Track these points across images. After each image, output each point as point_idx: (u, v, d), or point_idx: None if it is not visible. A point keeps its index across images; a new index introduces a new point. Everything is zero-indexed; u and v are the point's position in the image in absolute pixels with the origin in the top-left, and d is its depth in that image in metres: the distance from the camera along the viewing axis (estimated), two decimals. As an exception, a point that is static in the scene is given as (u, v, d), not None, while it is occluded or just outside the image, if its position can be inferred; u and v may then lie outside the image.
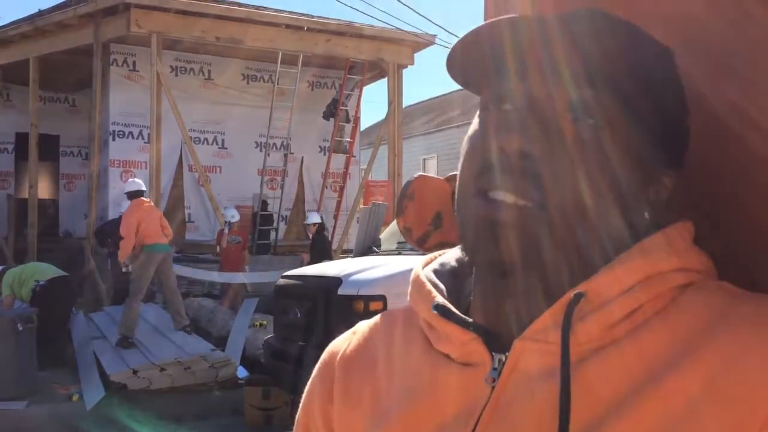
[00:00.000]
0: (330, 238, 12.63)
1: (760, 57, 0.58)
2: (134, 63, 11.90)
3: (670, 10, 0.65)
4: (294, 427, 0.71)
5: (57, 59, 11.58)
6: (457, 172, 0.59)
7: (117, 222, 8.60)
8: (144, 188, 8.26)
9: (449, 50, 0.58)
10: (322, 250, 9.46)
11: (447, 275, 0.64)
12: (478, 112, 0.59)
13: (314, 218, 10.29)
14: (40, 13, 12.22)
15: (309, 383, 0.70)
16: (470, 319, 0.58)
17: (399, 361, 0.62)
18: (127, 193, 8.02)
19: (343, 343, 0.69)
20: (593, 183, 0.53)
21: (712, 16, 0.62)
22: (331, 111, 12.85)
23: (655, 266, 0.53)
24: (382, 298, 4.81)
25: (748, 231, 0.59)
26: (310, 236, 10.06)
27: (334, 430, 0.65)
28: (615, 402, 0.49)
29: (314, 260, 8.34)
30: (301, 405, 0.70)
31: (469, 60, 0.58)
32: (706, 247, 0.57)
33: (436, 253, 0.67)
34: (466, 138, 0.59)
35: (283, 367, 5.32)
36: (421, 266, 0.65)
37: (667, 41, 0.57)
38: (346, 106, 12.85)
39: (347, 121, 13.01)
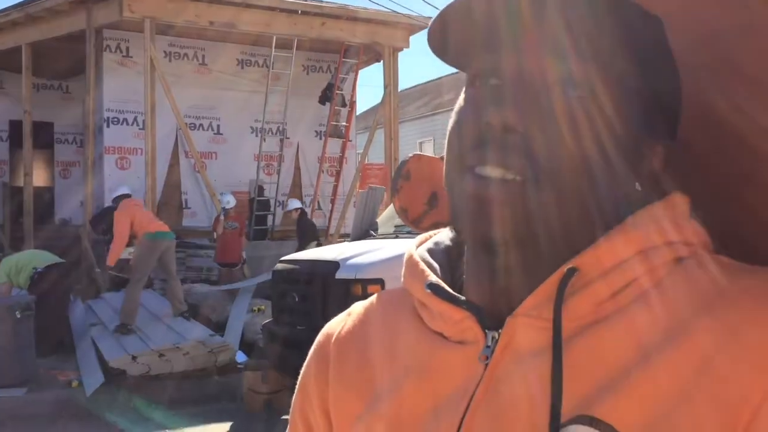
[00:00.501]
0: (328, 223, 12.65)
1: (751, 42, 0.57)
2: (127, 49, 11.81)
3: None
4: (291, 409, 0.71)
5: (49, 46, 11.49)
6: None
7: (112, 209, 8.64)
8: (130, 192, 8.42)
9: (431, 23, 0.56)
10: (306, 234, 9.52)
11: (441, 254, 0.63)
12: (464, 88, 0.58)
13: (294, 204, 10.40)
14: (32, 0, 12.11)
15: (305, 365, 0.70)
16: (463, 297, 0.57)
17: (393, 342, 0.62)
18: (114, 199, 8.11)
19: (338, 324, 0.69)
20: (583, 156, 0.52)
21: (708, 6, 0.61)
22: (327, 95, 12.79)
23: (648, 239, 0.53)
24: (380, 282, 4.82)
25: (745, 217, 0.59)
26: (292, 221, 10.17)
27: (329, 411, 0.65)
28: (608, 378, 0.49)
29: (301, 245, 8.35)
30: (297, 386, 0.70)
31: (453, 34, 0.57)
32: (714, 229, 0.56)
33: (430, 233, 0.67)
34: (452, 114, 0.58)
35: (282, 351, 5.34)
36: (415, 246, 0.64)
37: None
38: (341, 90, 12.79)
39: (343, 105, 12.96)
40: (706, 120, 0.60)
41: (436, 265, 0.62)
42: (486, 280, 0.57)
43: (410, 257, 0.63)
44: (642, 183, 0.56)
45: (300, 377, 0.70)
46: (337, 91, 12.67)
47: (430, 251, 0.64)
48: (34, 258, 7.65)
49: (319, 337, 0.70)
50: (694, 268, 0.52)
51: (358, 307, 0.69)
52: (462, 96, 0.58)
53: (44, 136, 13.43)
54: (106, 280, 9.55)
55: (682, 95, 0.57)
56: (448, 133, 0.57)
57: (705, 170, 0.61)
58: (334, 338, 0.67)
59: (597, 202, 0.53)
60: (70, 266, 7.82)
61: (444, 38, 0.58)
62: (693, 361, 0.47)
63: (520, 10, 0.53)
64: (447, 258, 0.63)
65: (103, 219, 9.14)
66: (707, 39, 0.60)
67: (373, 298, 0.69)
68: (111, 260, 7.63)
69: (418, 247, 0.65)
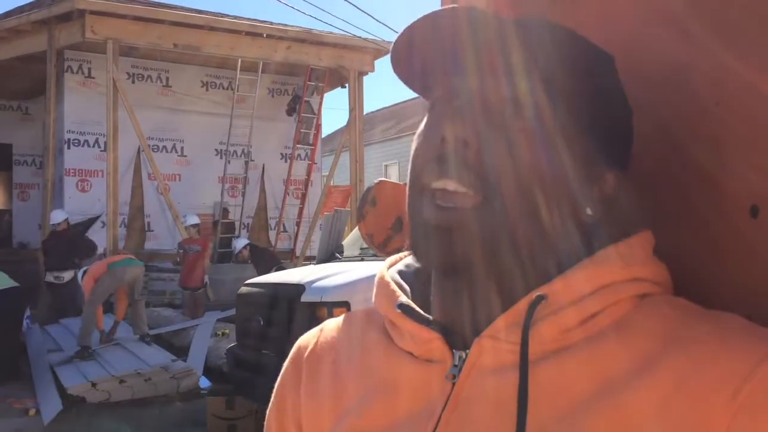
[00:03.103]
0: (293, 245, 12.58)
1: (699, 68, 0.61)
2: (89, 70, 11.69)
3: (611, 12, 0.69)
4: (266, 416, 0.72)
5: (9, 66, 11.30)
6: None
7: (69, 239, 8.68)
8: (66, 216, 9.12)
9: (392, 50, 0.59)
10: (262, 262, 9.49)
11: (412, 276, 0.65)
12: (426, 114, 0.61)
13: (241, 243, 10.63)
14: (-8, 19, 11.93)
15: (280, 377, 0.71)
16: (432, 318, 0.59)
17: (363, 359, 0.64)
18: (52, 225, 8.53)
19: (311, 339, 0.70)
20: (534, 177, 0.54)
21: (660, 28, 0.65)
22: (293, 107, 12.80)
23: (612, 275, 0.55)
24: (346, 305, 4.80)
25: (702, 237, 0.62)
26: (244, 260, 10.14)
27: (301, 423, 0.67)
28: (569, 406, 0.51)
29: (261, 273, 8.31)
30: (272, 398, 0.71)
31: (414, 60, 0.59)
32: (664, 253, 0.59)
33: (401, 254, 0.69)
34: (413, 140, 0.60)
35: (247, 376, 5.27)
36: (386, 267, 0.66)
37: (608, 44, 0.60)
38: (308, 98, 12.78)
39: (312, 113, 12.96)
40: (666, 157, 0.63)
41: (406, 286, 0.63)
42: (451, 301, 0.59)
43: (381, 278, 0.64)
44: (593, 208, 0.58)
45: (275, 389, 0.71)
46: (305, 99, 12.66)
47: (401, 273, 0.66)
48: None
49: (293, 350, 0.71)
50: (655, 310, 0.54)
51: (330, 324, 0.71)
52: (423, 121, 0.60)
53: (2, 158, 13.15)
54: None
55: (650, 129, 0.61)
56: (410, 158, 0.60)
57: (665, 196, 0.64)
58: (307, 352, 0.69)
59: (550, 223, 0.55)
60: (23, 291, 7.58)
61: (406, 65, 0.60)
62: (653, 399, 0.49)
63: (477, 35, 0.56)
64: (417, 280, 0.65)
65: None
66: (667, 75, 0.64)
67: (342, 317, 0.71)
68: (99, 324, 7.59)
69: (389, 268, 0.67)
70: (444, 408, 0.55)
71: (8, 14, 11.78)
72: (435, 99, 0.59)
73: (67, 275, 9.15)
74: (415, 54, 0.59)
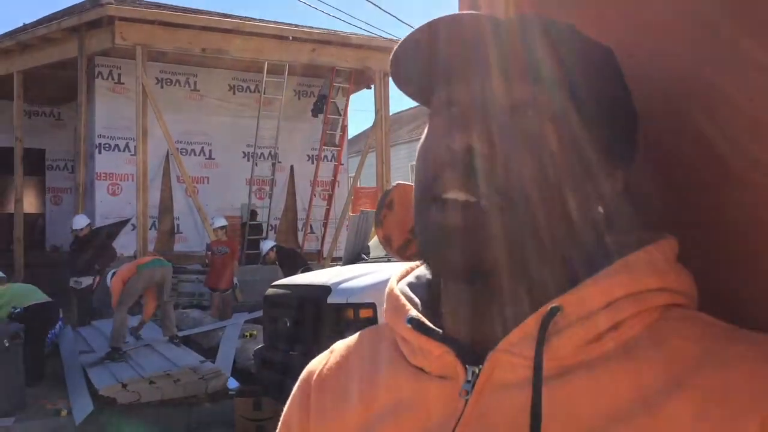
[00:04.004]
0: (320, 247, 12.62)
1: (725, 65, 0.59)
2: (119, 75, 11.87)
3: (639, 18, 0.66)
4: None
5: (41, 73, 11.53)
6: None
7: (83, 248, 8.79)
8: (89, 221, 9.26)
9: (392, 60, 0.57)
10: (290, 264, 9.44)
11: (422, 288, 0.63)
12: (428, 121, 0.59)
13: (267, 245, 10.45)
14: (24, 27, 12.17)
15: (289, 400, 0.70)
16: (442, 332, 0.57)
17: (374, 377, 0.62)
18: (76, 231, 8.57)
19: (321, 362, 0.69)
20: (545, 179, 0.52)
21: (678, 24, 0.62)
22: (319, 107, 12.85)
23: (636, 284, 0.52)
24: (372, 306, 4.79)
25: (732, 239, 0.59)
26: (272, 262, 10.10)
27: None
28: (590, 425, 0.48)
29: (287, 275, 8.34)
30: (280, 422, 0.70)
31: (414, 70, 0.58)
32: (687, 258, 0.56)
33: (411, 265, 0.67)
34: (418, 147, 0.58)
35: (274, 377, 5.29)
36: (395, 280, 0.64)
37: (635, 48, 0.58)
38: (334, 99, 12.82)
39: (338, 114, 13.00)
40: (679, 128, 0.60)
41: (417, 299, 0.61)
42: (463, 314, 0.56)
43: (391, 292, 0.63)
44: (605, 206, 0.56)
45: (284, 411, 0.70)
46: (331, 100, 12.70)
47: (411, 285, 0.63)
48: (18, 295, 7.43)
49: (303, 374, 0.70)
50: (687, 324, 0.51)
51: (340, 345, 0.69)
52: (426, 128, 0.59)
53: (35, 163, 13.42)
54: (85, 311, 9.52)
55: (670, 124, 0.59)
56: (415, 166, 0.58)
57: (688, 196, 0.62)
58: (315, 375, 0.68)
59: (564, 226, 0.53)
60: (54, 305, 7.64)
61: (405, 74, 0.59)
62: (679, 422, 0.46)
63: (478, 40, 0.54)
64: (428, 292, 0.62)
65: (78, 257, 9.21)
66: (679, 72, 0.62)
67: (355, 336, 0.69)
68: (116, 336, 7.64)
69: (399, 281, 0.64)
70: (456, 426, 0.53)
71: (39, 22, 12.02)
72: (436, 107, 0.57)
73: (86, 281, 9.23)
74: (415, 62, 0.57)
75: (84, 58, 11.01)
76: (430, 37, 0.55)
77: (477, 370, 0.54)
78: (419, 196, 0.56)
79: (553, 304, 0.51)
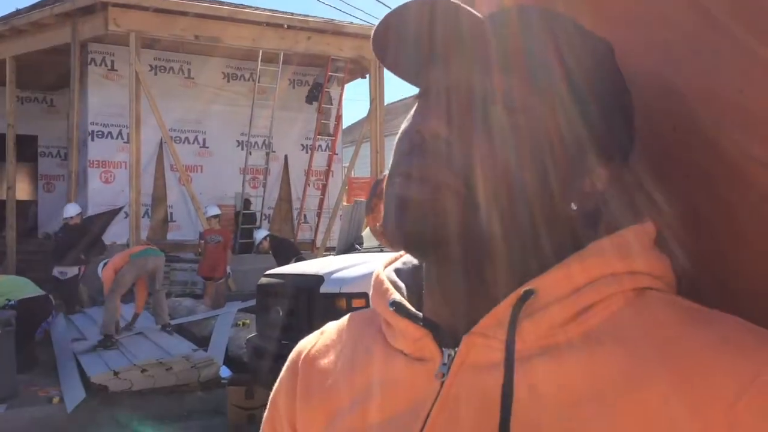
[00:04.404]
0: (314, 236, 12.61)
1: (721, 59, 0.58)
2: (112, 62, 11.80)
3: (639, 10, 0.66)
4: (262, 423, 0.72)
5: (34, 59, 11.45)
6: None
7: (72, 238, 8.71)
8: (80, 209, 9.12)
9: (373, 44, 0.58)
10: (283, 254, 9.38)
11: (408, 273, 0.64)
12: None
13: (261, 234, 10.33)
14: (17, 12, 12.07)
15: (278, 380, 0.71)
16: (421, 315, 0.58)
17: (359, 359, 0.63)
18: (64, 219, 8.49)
19: (310, 342, 0.70)
20: (508, 169, 0.53)
21: (679, 17, 0.62)
22: (314, 95, 12.81)
23: (607, 267, 0.53)
24: (365, 296, 4.80)
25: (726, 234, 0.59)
26: (265, 251, 10.02)
27: (296, 426, 0.66)
28: (560, 403, 0.49)
29: (281, 264, 8.31)
30: (269, 401, 0.71)
31: (397, 51, 0.58)
32: (679, 247, 0.56)
33: (400, 253, 0.67)
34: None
35: (267, 366, 5.30)
36: (382, 266, 0.66)
37: (635, 42, 0.57)
38: (329, 88, 12.79)
39: (330, 103, 12.97)
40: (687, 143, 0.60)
41: (401, 284, 0.63)
42: (440, 298, 0.58)
43: (377, 277, 0.64)
44: (581, 202, 0.56)
45: (272, 393, 0.71)
46: (326, 89, 12.66)
47: (397, 271, 0.65)
48: (13, 288, 7.41)
49: (292, 354, 0.71)
50: (654, 307, 0.52)
51: (330, 326, 0.70)
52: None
53: (28, 150, 13.34)
54: (89, 295, 9.50)
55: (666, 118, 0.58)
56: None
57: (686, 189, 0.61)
58: (303, 355, 0.69)
59: (524, 216, 0.53)
60: (47, 299, 7.61)
61: (393, 58, 0.59)
62: (648, 406, 0.47)
63: (451, 25, 0.54)
64: (413, 278, 0.64)
65: (67, 250, 9.12)
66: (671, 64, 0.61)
67: (344, 318, 0.70)
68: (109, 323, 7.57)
69: (386, 267, 0.66)
70: (432, 407, 0.54)
71: (32, 8, 11.92)
72: (421, 90, 0.58)
73: (71, 272, 9.17)
74: (394, 46, 0.58)
75: (77, 45, 10.93)
76: (404, 20, 0.55)
77: (453, 353, 0.55)
78: (389, 173, 0.57)
79: (527, 288, 0.52)
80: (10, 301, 7.05)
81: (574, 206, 0.55)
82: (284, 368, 0.71)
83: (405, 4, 0.55)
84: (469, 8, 0.53)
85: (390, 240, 0.57)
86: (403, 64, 0.59)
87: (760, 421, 0.45)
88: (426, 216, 0.53)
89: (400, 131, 0.58)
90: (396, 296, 0.60)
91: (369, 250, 6.16)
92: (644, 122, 0.60)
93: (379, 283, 0.63)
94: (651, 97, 0.62)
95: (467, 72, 0.55)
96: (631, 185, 0.60)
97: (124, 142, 11.39)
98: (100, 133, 11.81)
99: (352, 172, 13.19)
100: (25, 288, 7.40)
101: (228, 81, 12.78)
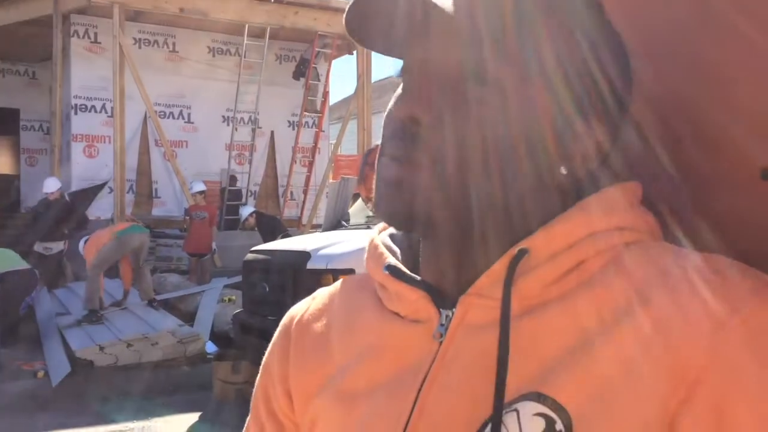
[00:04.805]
0: (300, 213, 12.58)
1: (730, 57, 0.58)
2: (96, 35, 11.61)
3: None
4: (254, 389, 0.72)
5: (16, 30, 11.24)
6: None
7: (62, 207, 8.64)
8: (60, 184, 8.95)
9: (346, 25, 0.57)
10: (270, 231, 9.33)
11: (402, 238, 0.65)
12: None
13: (247, 211, 10.29)
14: (-3, -18, 11.82)
15: (269, 346, 0.71)
16: (419, 278, 0.59)
17: (353, 323, 0.64)
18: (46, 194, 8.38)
19: (302, 307, 0.70)
20: (488, 141, 0.53)
21: (689, 22, 0.61)
22: (301, 70, 12.71)
23: (596, 223, 0.54)
24: (351, 272, 4.81)
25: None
26: (251, 227, 9.97)
27: (290, 391, 0.67)
28: (557, 357, 0.51)
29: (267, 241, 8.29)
30: (261, 367, 0.72)
31: (372, 34, 0.58)
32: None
33: None
34: None
35: (253, 341, 5.31)
36: (377, 231, 0.67)
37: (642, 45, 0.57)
38: (316, 64, 12.69)
39: (318, 79, 12.89)
40: (690, 112, 0.60)
41: (396, 248, 0.64)
42: (434, 261, 0.59)
43: (372, 242, 0.65)
44: (570, 166, 0.56)
45: (264, 357, 0.72)
46: (313, 65, 12.56)
47: (392, 236, 0.66)
48: None
49: (284, 320, 0.71)
50: (640, 254, 0.53)
51: (322, 292, 0.71)
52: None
53: (10, 123, 13.15)
54: (72, 270, 9.45)
55: (665, 88, 0.58)
56: None
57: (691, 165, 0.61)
58: (296, 320, 0.69)
59: (511, 188, 0.54)
60: (32, 272, 7.54)
61: (370, 38, 0.59)
62: (638, 338, 0.49)
63: (417, 8, 0.53)
64: (408, 243, 0.65)
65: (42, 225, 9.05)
66: (676, 32, 0.61)
67: (337, 283, 0.71)
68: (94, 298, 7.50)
69: (380, 232, 0.66)
70: (430, 367, 0.56)
71: (14, -23, 11.67)
72: (401, 68, 0.58)
73: (56, 247, 9.10)
74: (368, 30, 0.57)
75: (59, 16, 10.74)
76: (378, 3, 0.54)
77: (450, 314, 0.56)
78: (378, 154, 0.59)
79: (521, 246, 0.54)
80: None
81: (563, 170, 0.56)
82: (276, 334, 0.71)
83: None
84: None
85: (378, 217, 0.59)
86: (381, 45, 0.59)
87: (737, 353, 0.46)
88: (404, 195, 0.54)
89: (386, 110, 0.58)
90: (391, 260, 0.61)
91: (356, 227, 6.17)
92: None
93: (373, 247, 0.64)
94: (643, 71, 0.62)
95: (439, 51, 0.54)
96: (633, 144, 0.60)
97: (108, 116, 11.25)
98: (83, 106, 11.66)
99: (339, 149, 13.14)
100: (9, 261, 7.34)
101: (214, 56, 12.64)
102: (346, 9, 0.56)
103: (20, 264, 7.40)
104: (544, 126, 0.54)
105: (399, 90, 0.57)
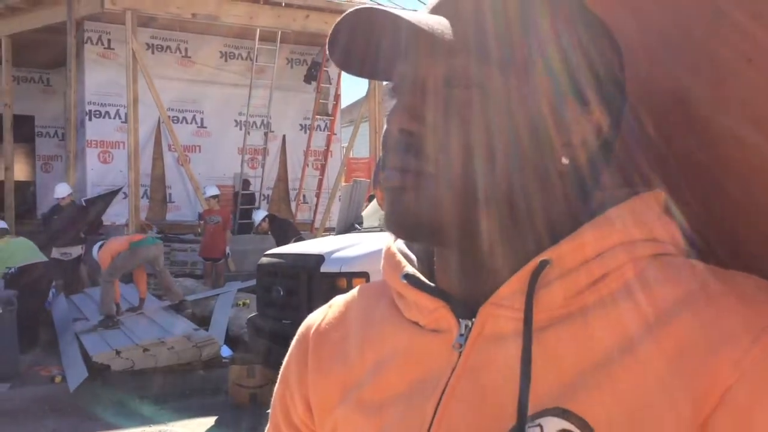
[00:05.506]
0: (313, 216, 12.60)
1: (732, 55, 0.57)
2: (109, 41, 11.69)
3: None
4: (272, 400, 0.72)
5: (30, 37, 11.34)
6: None
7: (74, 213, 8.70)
8: (71, 190, 9.08)
9: (329, 49, 0.58)
10: (283, 235, 9.37)
11: (419, 246, 0.64)
12: None
13: (260, 215, 10.35)
14: (12, -9, 11.93)
15: (287, 356, 0.71)
16: (436, 287, 0.59)
17: (371, 332, 0.63)
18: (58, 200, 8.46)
19: (319, 316, 0.70)
20: (480, 145, 0.53)
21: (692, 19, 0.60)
22: (312, 74, 12.73)
23: (621, 235, 0.54)
24: (365, 275, 4.81)
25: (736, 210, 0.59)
26: (264, 231, 10.01)
27: (309, 400, 0.67)
28: (580, 370, 0.50)
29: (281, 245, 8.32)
30: (279, 377, 0.72)
31: (357, 57, 0.59)
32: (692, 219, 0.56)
33: None
34: None
35: (268, 345, 5.32)
36: (393, 238, 0.66)
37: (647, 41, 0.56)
38: (327, 68, 12.72)
39: (329, 83, 12.91)
40: (687, 115, 0.60)
41: (413, 256, 0.63)
42: (454, 270, 0.58)
43: (388, 249, 0.64)
44: (571, 156, 0.55)
45: (282, 367, 0.71)
46: (324, 69, 12.58)
47: (408, 244, 0.65)
48: (16, 251, 7.49)
49: (301, 329, 0.71)
50: (666, 270, 0.53)
51: (338, 300, 0.71)
52: None
53: (25, 130, 13.27)
54: (89, 275, 9.51)
55: (663, 91, 0.57)
56: None
57: (688, 165, 0.61)
58: (313, 329, 0.69)
59: (513, 189, 0.54)
60: (50, 264, 7.66)
61: (357, 66, 0.60)
62: (665, 357, 0.48)
63: (390, 31, 0.54)
64: (424, 249, 0.64)
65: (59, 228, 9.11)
66: (681, 34, 0.60)
67: (354, 291, 0.70)
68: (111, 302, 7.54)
69: (396, 239, 0.66)
70: (450, 378, 0.55)
71: (28, -15, 11.78)
72: (392, 87, 0.59)
73: (75, 251, 9.14)
74: (353, 58, 0.59)
75: (73, 23, 10.82)
76: (358, 23, 0.55)
77: (470, 324, 0.56)
78: (381, 169, 0.59)
79: (543, 258, 0.53)
80: (10, 269, 7.09)
81: (564, 160, 0.55)
82: (293, 343, 0.71)
83: (340, 21, 0.55)
84: (399, 13, 0.52)
85: (390, 232, 0.59)
86: (368, 73, 0.61)
87: (764, 373, 0.46)
88: (409, 202, 0.54)
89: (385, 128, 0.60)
90: (409, 268, 0.61)
91: (369, 230, 6.16)
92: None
93: (390, 255, 0.63)
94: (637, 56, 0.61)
95: (424, 65, 0.55)
96: (635, 126, 0.59)
97: (122, 122, 11.32)
98: (97, 112, 11.74)
99: (351, 152, 13.14)
100: (28, 254, 7.43)
101: (225, 60, 12.68)
102: (327, 42, 0.57)
103: (39, 257, 7.51)
104: (534, 121, 0.54)
105: (392, 104, 0.58)
